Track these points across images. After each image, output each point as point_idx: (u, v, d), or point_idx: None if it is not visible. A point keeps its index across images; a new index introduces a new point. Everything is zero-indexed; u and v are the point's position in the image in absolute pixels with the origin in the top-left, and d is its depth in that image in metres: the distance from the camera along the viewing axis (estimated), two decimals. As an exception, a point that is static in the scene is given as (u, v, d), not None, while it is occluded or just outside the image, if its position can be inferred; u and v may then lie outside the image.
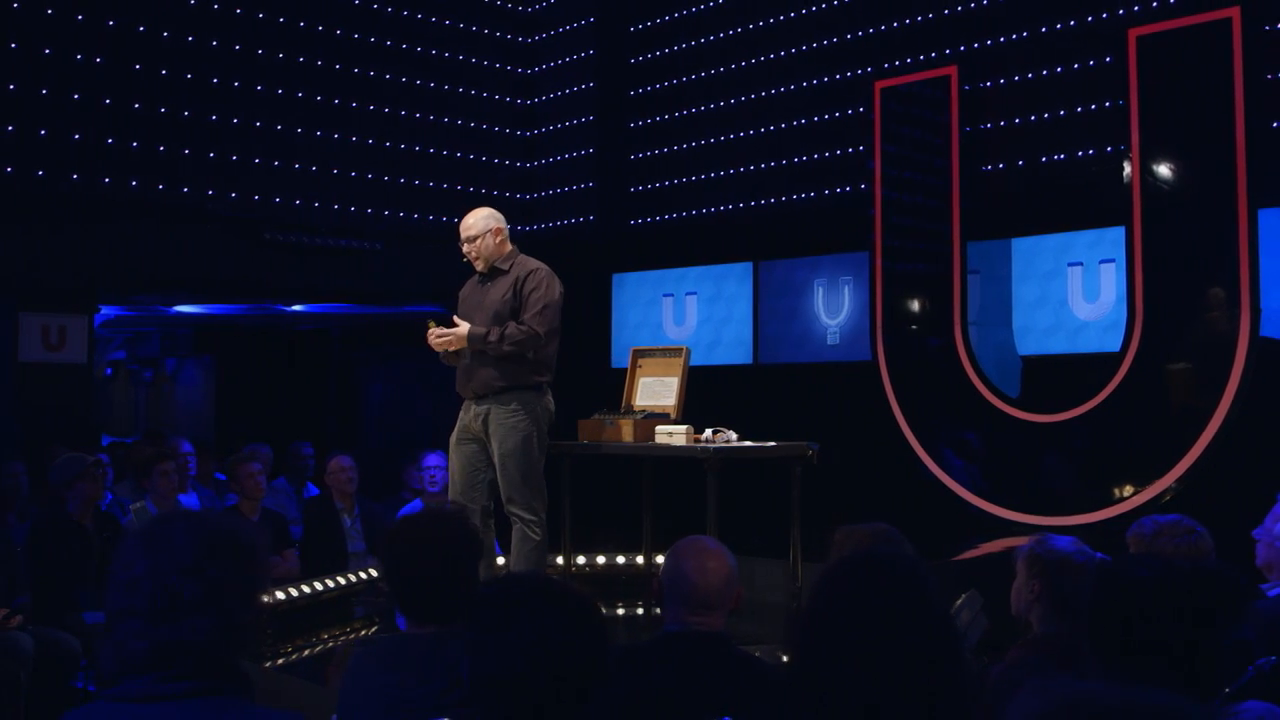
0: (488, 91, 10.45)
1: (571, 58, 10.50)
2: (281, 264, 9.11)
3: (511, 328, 5.50)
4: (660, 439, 5.62)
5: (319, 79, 9.36)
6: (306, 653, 5.55)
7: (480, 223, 5.75)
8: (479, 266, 5.77)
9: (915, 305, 7.98)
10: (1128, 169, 6.93)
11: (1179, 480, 6.76)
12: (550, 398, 5.66)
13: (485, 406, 5.57)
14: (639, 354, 6.38)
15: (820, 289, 8.98)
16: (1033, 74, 7.80)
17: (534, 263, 5.74)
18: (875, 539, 3.04)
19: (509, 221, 10.26)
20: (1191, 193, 6.80)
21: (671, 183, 9.94)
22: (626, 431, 5.74)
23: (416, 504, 7.52)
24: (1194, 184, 6.80)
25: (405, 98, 9.84)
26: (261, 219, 8.98)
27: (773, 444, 5.58)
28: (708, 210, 9.71)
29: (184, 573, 2.02)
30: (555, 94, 10.58)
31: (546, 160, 10.63)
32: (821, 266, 8.95)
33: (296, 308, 10.84)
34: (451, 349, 5.65)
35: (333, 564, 6.89)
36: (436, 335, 5.67)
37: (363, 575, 6.38)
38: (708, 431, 5.62)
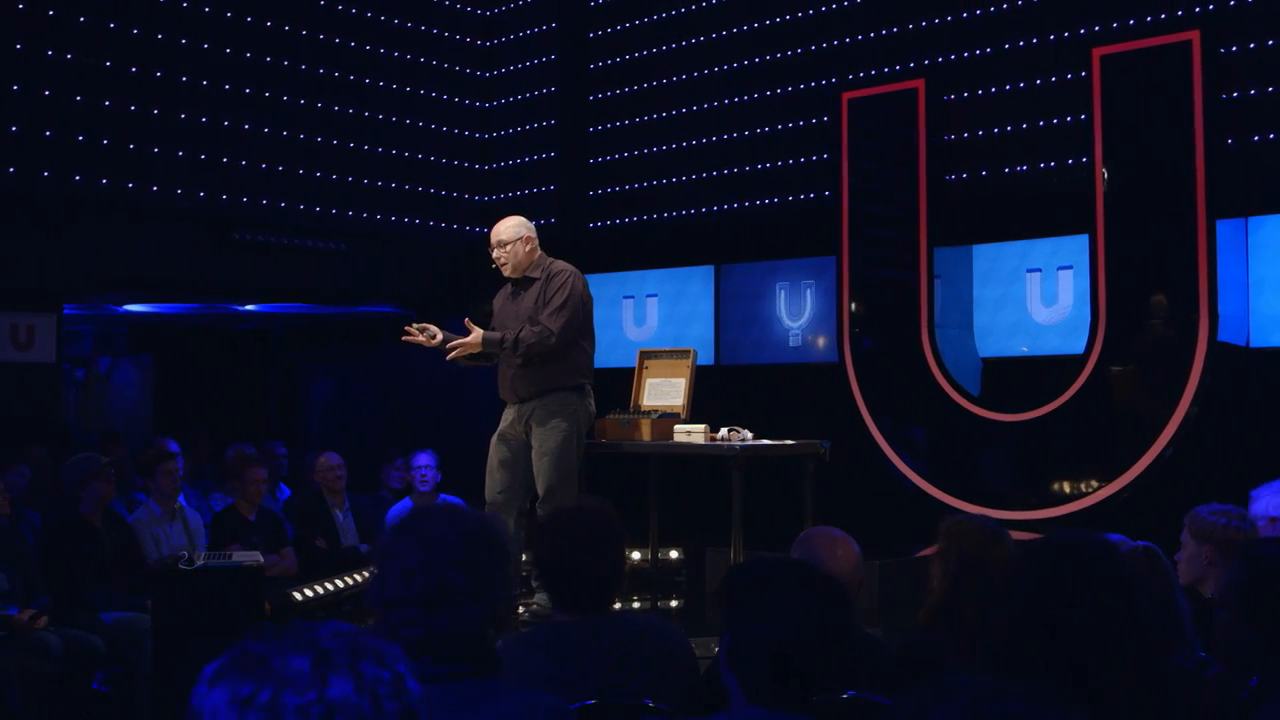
0: (450, 94, 10.54)
1: (533, 62, 10.64)
2: (249, 264, 9.11)
3: (525, 331, 5.61)
4: (679, 438, 5.81)
5: (287, 79, 9.37)
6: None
7: (511, 230, 5.85)
8: (508, 273, 5.87)
9: (882, 309, 8.26)
10: (1091, 181, 7.28)
11: (1140, 476, 7.13)
12: (591, 399, 5.81)
13: (529, 408, 5.69)
14: (645, 355, 6.57)
15: (782, 292, 9.24)
16: (996, 88, 8.15)
17: (561, 265, 5.87)
18: (982, 531, 3.27)
19: (469, 223, 10.44)
20: (1152, 204, 7.16)
21: (632, 187, 10.13)
22: (645, 431, 5.92)
23: (406, 502, 7.61)
24: (1155, 196, 7.17)
25: (370, 99, 9.90)
26: (230, 218, 8.97)
27: (791, 442, 5.82)
28: (669, 214, 9.91)
29: (455, 565, 2.18)
30: (517, 97, 10.71)
31: (508, 163, 10.75)
32: (784, 270, 9.21)
33: (250, 306, 10.81)
34: (463, 356, 5.74)
35: (328, 560, 6.97)
36: (452, 346, 5.73)
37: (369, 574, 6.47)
38: (723, 430, 5.83)
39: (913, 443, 8.07)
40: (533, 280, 5.84)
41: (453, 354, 5.78)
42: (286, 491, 8.50)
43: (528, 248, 5.86)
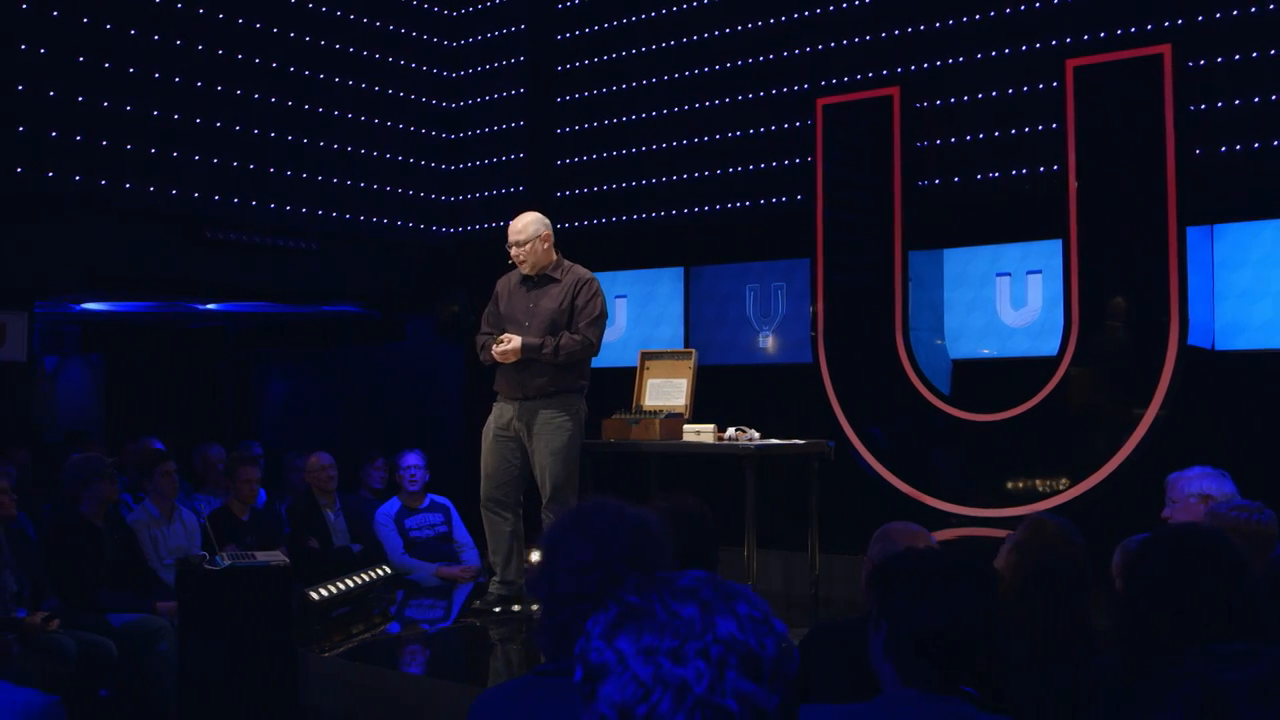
0: (417, 94, 10.53)
1: (501, 63, 10.66)
2: (221, 263, 9.03)
3: (565, 338, 5.76)
4: (688, 437, 5.92)
5: (260, 77, 9.30)
6: (354, 642, 5.69)
7: (530, 228, 5.95)
8: (525, 270, 5.96)
9: (856, 311, 8.41)
10: (1064, 188, 7.51)
11: (1112, 475, 7.37)
12: (584, 399, 5.93)
13: (532, 405, 5.78)
14: (646, 356, 6.66)
15: (753, 294, 9.37)
16: (970, 97, 8.34)
17: (584, 271, 5.99)
18: (1061, 531, 3.40)
19: (437, 223, 10.44)
20: (1124, 211, 7.41)
21: (601, 188, 10.19)
22: (655, 430, 6.01)
23: (394, 502, 7.61)
24: (1126, 203, 7.41)
25: (340, 98, 9.85)
26: (201, 217, 8.89)
27: (800, 441, 5.94)
28: (638, 216, 9.98)
29: (627, 561, 2.26)
30: (485, 98, 10.73)
31: (476, 163, 10.77)
32: (754, 272, 9.34)
33: (210, 305, 10.70)
34: (508, 361, 5.85)
35: (322, 559, 6.97)
36: (498, 351, 5.87)
37: (378, 573, 6.53)
38: (730, 430, 5.94)
39: (887, 444, 8.22)
40: (551, 280, 5.93)
41: (498, 354, 5.89)
42: (263, 494, 8.42)
43: (545, 246, 5.97)
